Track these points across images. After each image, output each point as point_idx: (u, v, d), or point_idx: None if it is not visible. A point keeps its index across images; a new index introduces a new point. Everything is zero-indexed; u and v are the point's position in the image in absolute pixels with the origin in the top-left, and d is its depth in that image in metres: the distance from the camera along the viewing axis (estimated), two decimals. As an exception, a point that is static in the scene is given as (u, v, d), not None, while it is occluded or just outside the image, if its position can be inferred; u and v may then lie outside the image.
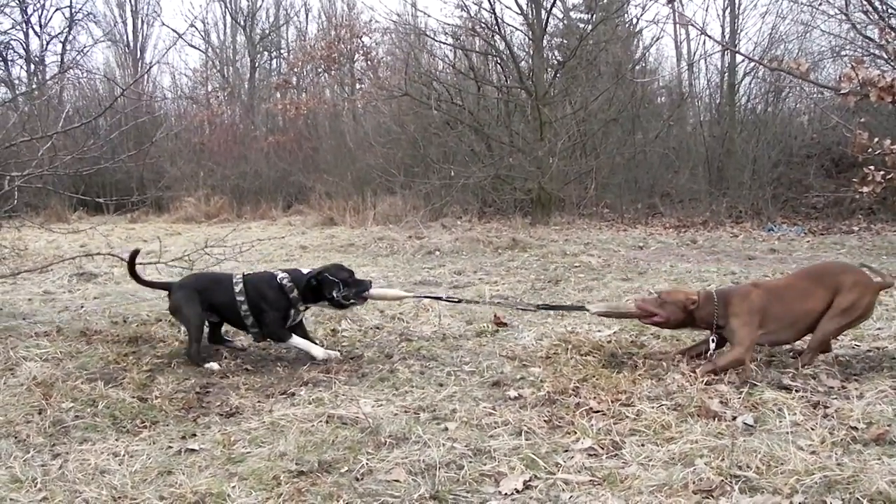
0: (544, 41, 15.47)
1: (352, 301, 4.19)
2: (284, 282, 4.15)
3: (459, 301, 4.90)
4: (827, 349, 3.86)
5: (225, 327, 4.47)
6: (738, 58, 14.85)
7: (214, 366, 4.05)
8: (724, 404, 3.17)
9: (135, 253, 4.48)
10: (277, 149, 19.32)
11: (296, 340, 4.17)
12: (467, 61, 15.89)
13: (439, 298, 4.83)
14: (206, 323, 4.30)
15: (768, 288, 3.89)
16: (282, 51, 26.22)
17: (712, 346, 3.78)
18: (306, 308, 4.32)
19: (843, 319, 3.70)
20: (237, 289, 4.16)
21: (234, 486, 2.47)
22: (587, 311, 4.24)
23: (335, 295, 4.12)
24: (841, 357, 3.94)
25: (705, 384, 3.40)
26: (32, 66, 25.33)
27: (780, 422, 2.92)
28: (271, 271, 4.34)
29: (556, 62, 16.07)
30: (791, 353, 3.97)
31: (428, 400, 3.36)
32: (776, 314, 3.72)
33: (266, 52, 26.10)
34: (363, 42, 21.19)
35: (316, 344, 4.29)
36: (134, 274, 4.43)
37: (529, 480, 2.49)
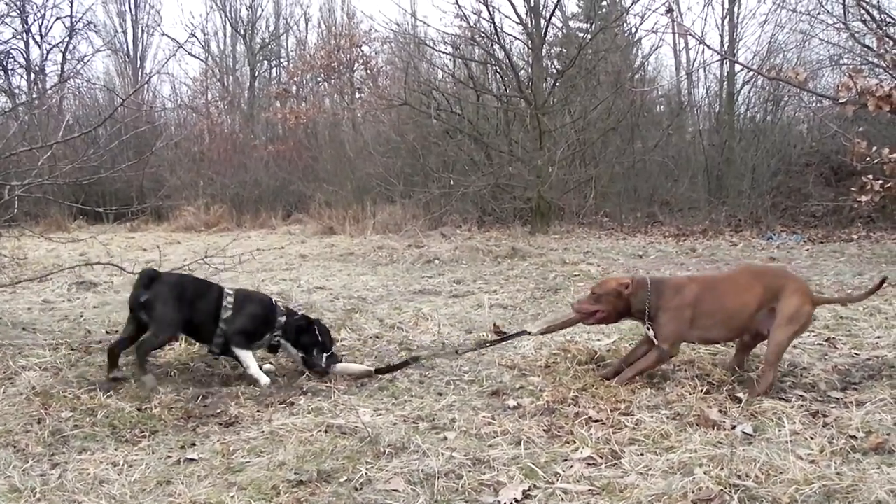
0: (543, 50, 15.53)
1: (317, 364, 3.97)
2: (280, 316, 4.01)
3: (418, 360, 4.12)
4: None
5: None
6: (738, 67, 14.94)
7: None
8: (724, 413, 3.18)
9: None
10: (277, 158, 19.37)
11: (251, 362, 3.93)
12: (467, 70, 15.95)
13: (405, 365, 4.06)
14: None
15: (703, 281, 3.77)
16: (281, 60, 26.29)
17: (650, 333, 3.61)
18: (278, 342, 4.06)
19: (791, 327, 3.50)
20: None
21: (233, 496, 2.46)
22: (529, 334, 4.13)
23: (315, 352, 3.97)
24: (840, 366, 3.95)
25: (705, 393, 3.41)
26: (33, 76, 25.37)
27: (780, 431, 2.92)
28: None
29: (555, 71, 16.12)
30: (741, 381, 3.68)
31: (427, 409, 3.36)
32: (709, 310, 3.58)
33: (266, 62, 26.18)
34: (363, 51, 21.35)
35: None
36: None
37: (528, 490, 2.49)
